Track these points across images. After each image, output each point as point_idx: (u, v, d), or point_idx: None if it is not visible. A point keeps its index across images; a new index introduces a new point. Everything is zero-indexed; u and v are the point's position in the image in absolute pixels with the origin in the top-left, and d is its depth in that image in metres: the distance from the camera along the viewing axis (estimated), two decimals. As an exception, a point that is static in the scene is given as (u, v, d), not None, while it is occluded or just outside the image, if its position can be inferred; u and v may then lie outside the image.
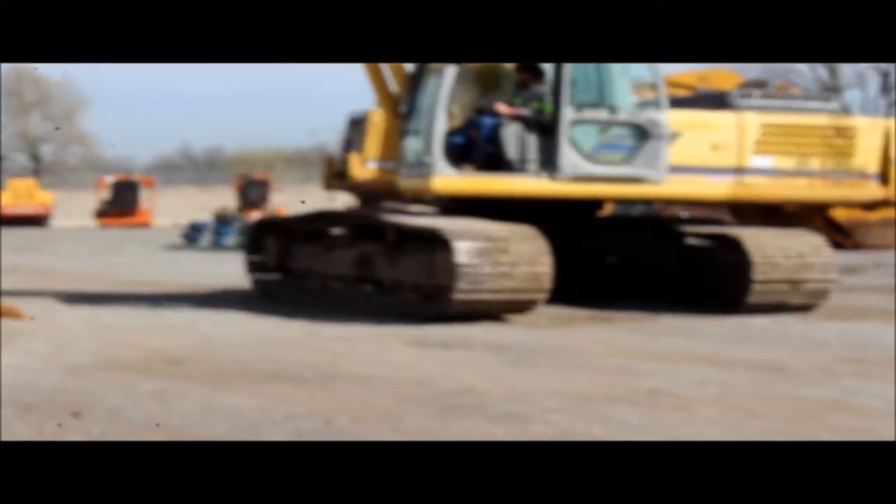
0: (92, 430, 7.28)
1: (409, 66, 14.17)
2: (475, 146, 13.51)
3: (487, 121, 13.51)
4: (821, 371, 9.59)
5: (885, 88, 57.90)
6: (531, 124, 13.47)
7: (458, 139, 13.53)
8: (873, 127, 15.14)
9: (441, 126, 13.22)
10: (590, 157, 13.38)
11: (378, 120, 16.45)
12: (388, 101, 14.70)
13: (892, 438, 6.61)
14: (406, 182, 14.20)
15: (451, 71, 13.13)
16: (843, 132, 14.73)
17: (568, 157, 13.28)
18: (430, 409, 7.98)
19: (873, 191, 14.80)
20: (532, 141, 13.43)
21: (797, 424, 7.53)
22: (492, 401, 8.23)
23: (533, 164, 13.40)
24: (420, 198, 14.62)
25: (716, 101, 14.89)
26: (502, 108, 13.54)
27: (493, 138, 13.41)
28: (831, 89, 51.99)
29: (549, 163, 13.34)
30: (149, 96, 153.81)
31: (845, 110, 15.93)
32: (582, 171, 13.37)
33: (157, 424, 7.06)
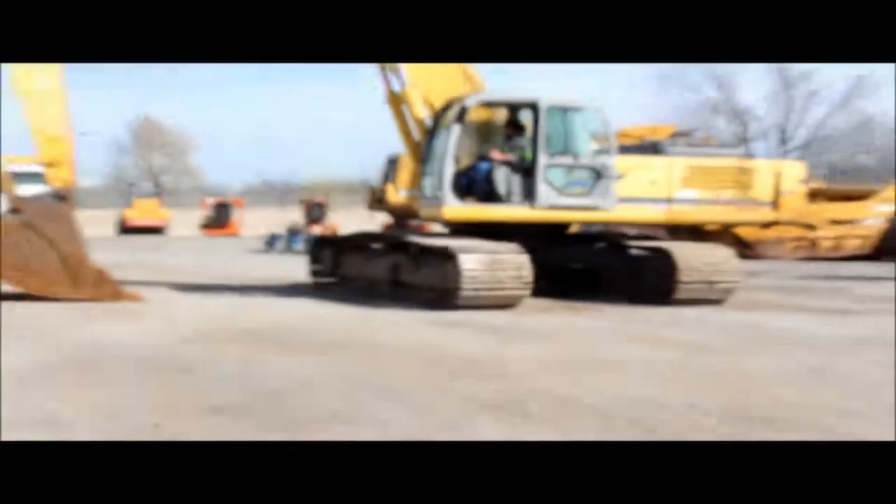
0: (194, 389, 7.40)
1: (428, 122, 14.28)
2: (475, 184, 13.61)
3: (483, 165, 13.63)
4: (725, 347, 9.69)
5: (783, 141, 57.74)
6: (516, 167, 13.59)
7: (463, 179, 13.62)
8: (767, 167, 15.25)
9: (450, 171, 13.36)
10: (560, 191, 13.48)
11: (407, 160, 16.56)
12: (413, 147, 14.84)
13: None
14: (425, 210, 14.35)
15: (455, 129, 13.28)
16: (745, 171, 14.84)
17: (543, 191, 13.38)
18: (439, 370, 8.06)
19: (767, 214, 14.90)
20: (517, 180, 13.53)
21: (703, 384, 7.60)
22: (485, 365, 8.33)
23: (517, 196, 13.50)
24: (435, 220, 14.77)
25: (652, 148, 14.98)
26: (496, 154, 13.68)
27: (488, 178, 13.52)
28: (741, 140, 51.90)
29: (529, 196, 13.45)
30: (242, 139, 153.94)
31: (749, 155, 16.04)
32: (554, 202, 13.47)
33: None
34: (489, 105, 14.13)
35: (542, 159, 13.43)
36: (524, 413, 6.49)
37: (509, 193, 13.56)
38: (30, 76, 13.69)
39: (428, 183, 14.12)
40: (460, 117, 13.46)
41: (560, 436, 5.98)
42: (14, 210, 12.73)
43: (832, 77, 58.60)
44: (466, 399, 6.94)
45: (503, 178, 13.57)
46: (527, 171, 13.54)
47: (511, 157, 13.73)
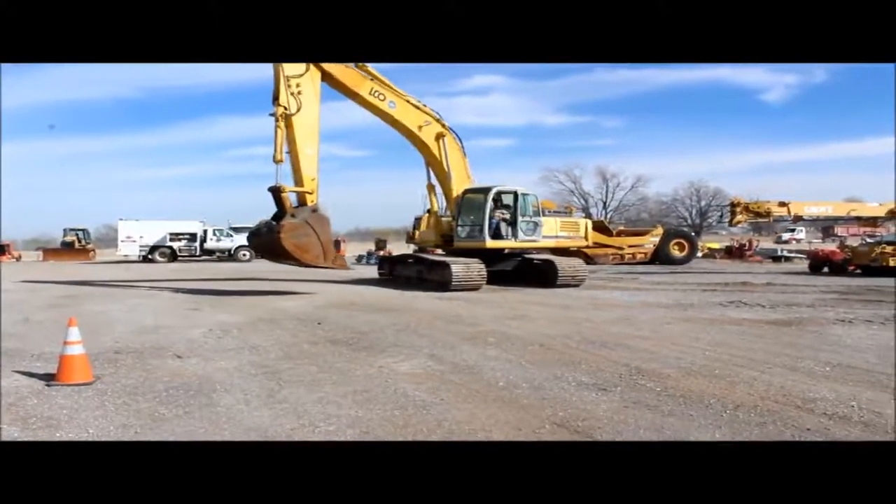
0: (324, 330, 7.23)
1: (454, 193, 14.04)
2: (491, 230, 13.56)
3: (495, 220, 13.58)
4: (580, 307, 9.58)
5: (605, 207, 57.34)
6: (508, 222, 13.58)
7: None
8: (585, 221, 15.43)
9: (488, 224, 13.28)
10: (525, 233, 13.51)
11: (424, 218, 16.23)
12: (432, 211, 14.69)
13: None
14: (460, 244, 13.85)
15: (490, 204, 13.16)
16: (577, 223, 15.00)
17: (519, 234, 13.44)
18: (442, 321, 7.92)
19: (585, 242, 15.05)
20: (509, 228, 13.51)
21: (569, 325, 7.44)
22: (465, 318, 8.20)
23: (510, 236, 13.47)
24: (439, 246, 14.45)
25: (552, 214, 15.05)
26: (498, 214, 13.63)
27: (498, 227, 13.52)
28: (585, 208, 51.78)
29: (514, 236, 13.44)
30: (348, 205, 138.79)
31: (588, 216, 15.88)
32: (523, 239, 13.49)
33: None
34: (499, 192, 13.84)
35: (518, 218, 13.48)
36: (485, 342, 6.46)
37: (506, 234, 13.51)
38: (303, 138, 10.93)
39: (461, 231, 13.83)
40: (492, 199, 13.38)
41: (501, 351, 5.95)
42: (292, 215, 10.72)
43: (626, 174, 57.72)
44: (456, 335, 6.88)
45: (503, 227, 13.52)
46: (513, 223, 13.49)
47: (507, 216, 13.64)
